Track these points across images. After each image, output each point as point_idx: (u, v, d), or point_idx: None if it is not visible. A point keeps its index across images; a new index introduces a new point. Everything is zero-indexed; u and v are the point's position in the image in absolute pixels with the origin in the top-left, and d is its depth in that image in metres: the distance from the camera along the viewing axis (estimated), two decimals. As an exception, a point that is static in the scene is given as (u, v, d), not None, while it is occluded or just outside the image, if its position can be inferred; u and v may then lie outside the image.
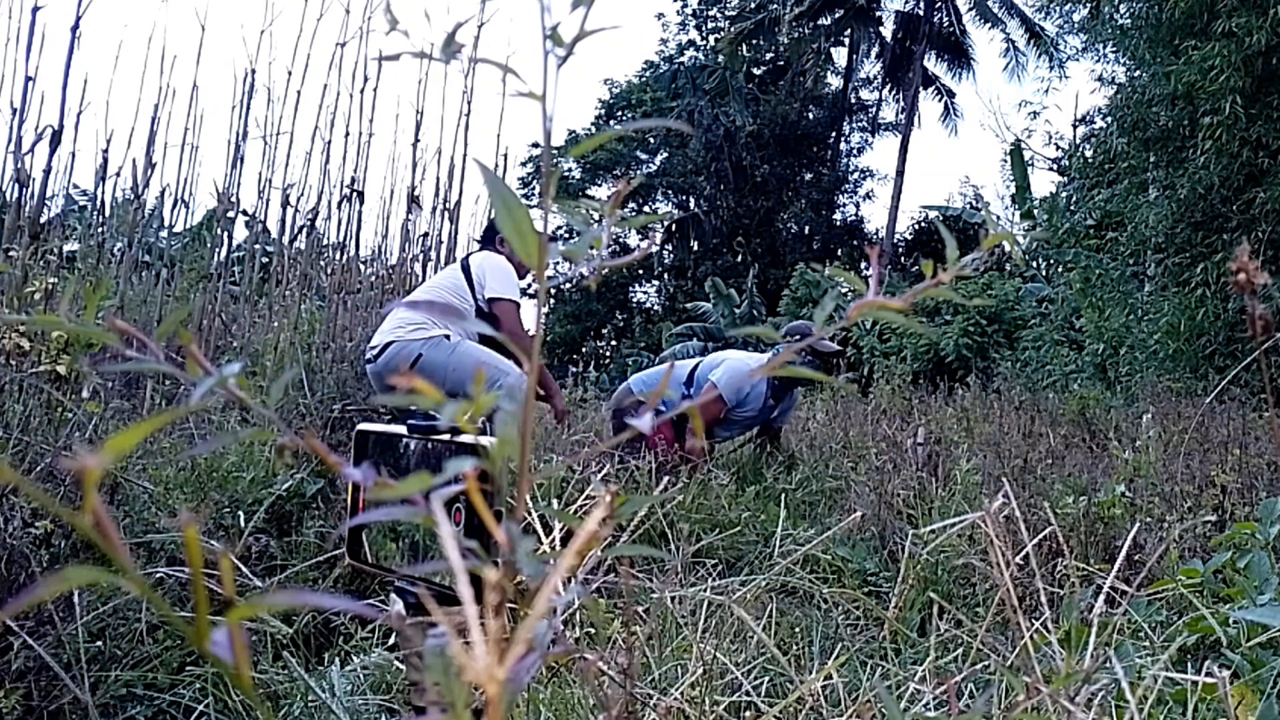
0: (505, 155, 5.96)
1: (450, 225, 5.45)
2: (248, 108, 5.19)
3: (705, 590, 1.73)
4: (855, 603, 2.10)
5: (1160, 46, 8.81)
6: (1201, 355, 8.32)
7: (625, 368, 17.25)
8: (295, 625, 1.97)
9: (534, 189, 23.50)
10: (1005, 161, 19.09)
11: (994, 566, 1.29)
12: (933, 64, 23.31)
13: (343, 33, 5.23)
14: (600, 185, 25.94)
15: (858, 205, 26.79)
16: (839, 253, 24.55)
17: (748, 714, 1.35)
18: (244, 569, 2.09)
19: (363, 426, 0.81)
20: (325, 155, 5.19)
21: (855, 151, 26.55)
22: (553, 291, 23.46)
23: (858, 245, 24.44)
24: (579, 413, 5.47)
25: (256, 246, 5.50)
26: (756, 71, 25.97)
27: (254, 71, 5.22)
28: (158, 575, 1.98)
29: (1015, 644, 1.28)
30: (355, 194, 5.15)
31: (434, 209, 5.43)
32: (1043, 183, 33.06)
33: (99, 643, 1.76)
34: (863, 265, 21.74)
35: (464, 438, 0.70)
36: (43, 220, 3.98)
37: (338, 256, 5.10)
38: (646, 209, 25.79)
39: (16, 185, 3.75)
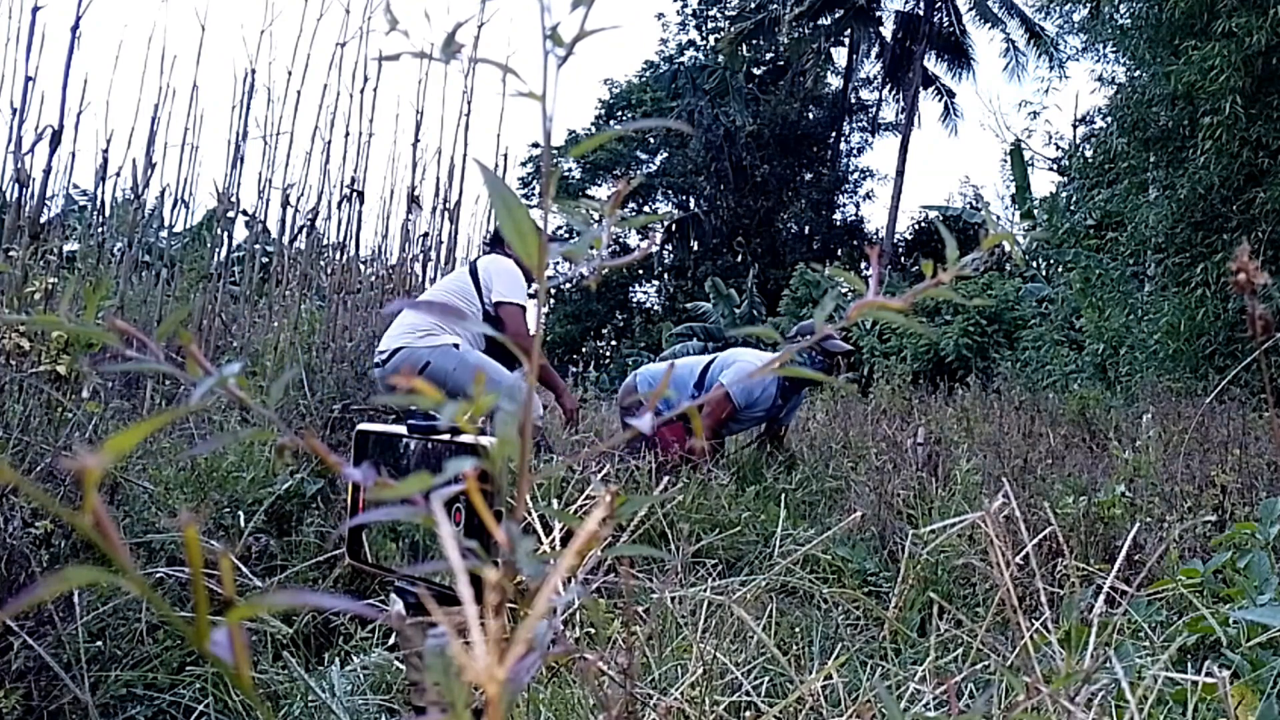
0: (505, 155, 5.96)
1: (450, 225, 5.45)
2: (248, 108, 5.20)
3: (705, 590, 1.73)
4: (855, 603, 2.10)
5: (1160, 46, 8.81)
6: (1201, 355, 8.32)
7: (625, 368, 17.25)
8: (295, 625, 1.97)
9: (534, 189, 23.51)
10: (1005, 161, 19.11)
11: (994, 566, 1.29)
12: (933, 64, 23.32)
13: (343, 33, 5.24)
14: (600, 185, 25.95)
15: (858, 205, 26.82)
16: (839, 253, 24.56)
17: (748, 714, 1.35)
18: (244, 569, 2.09)
19: (363, 426, 0.81)
20: (325, 155, 5.20)
21: (855, 151, 26.57)
22: (553, 291, 23.44)
23: (858, 245, 24.44)
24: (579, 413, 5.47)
25: (256, 246, 5.50)
26: (756, 71, 25.97)
27: (254, 71, 5.23)
28: (158, 575, 1.98)
29: (1015, 644, 1.28)
30: (355, 194, 5.15)
31: (434, 209, 5.43)
32: (1043, 183, 33.09)
33: (99, 643, 1.76)
34: (863, 265, 21.74)
35: (464, 438, 0.70)
36: (43, 220, 3.98)
37: (338, 256, 5.10)
38: (646, 209, 25.80)
39: (16, 185, 3.75)
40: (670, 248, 25.74)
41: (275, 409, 0.44)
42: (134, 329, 0.43)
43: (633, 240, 17.88)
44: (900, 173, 21.87)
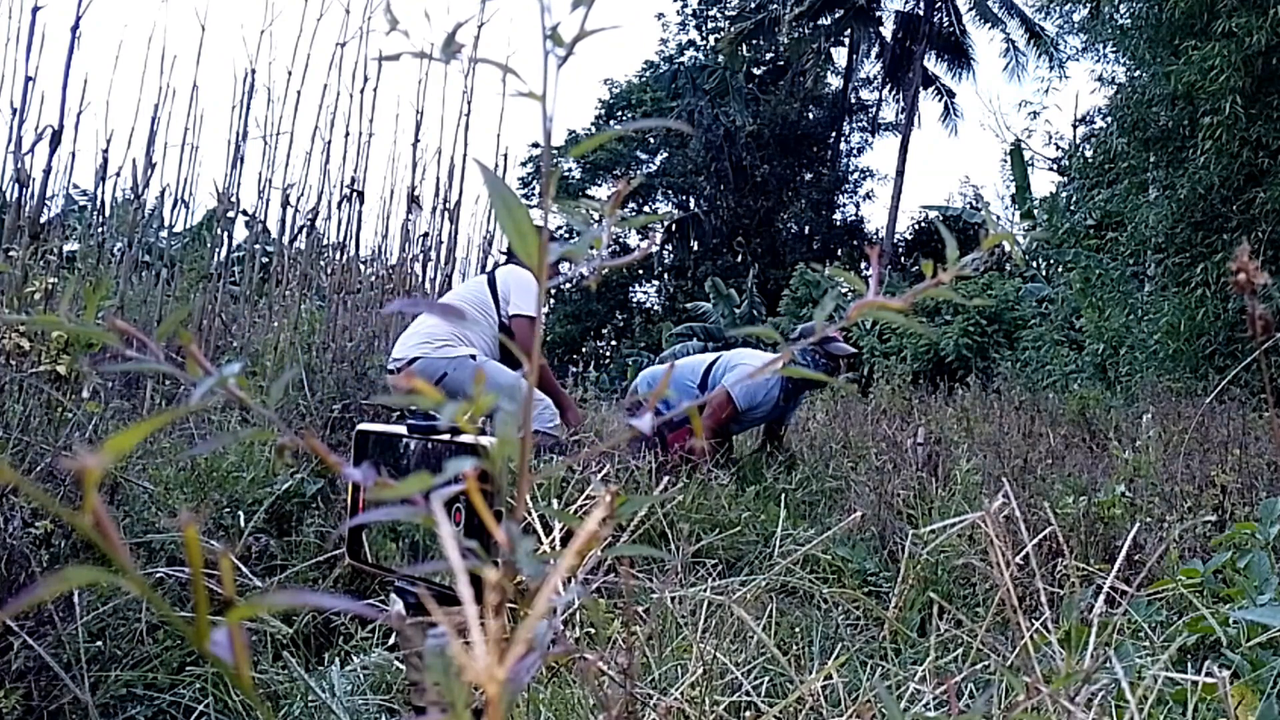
0: (505, 155, 5.97)
1: (450, 225, 5.46)
2: (248, 108, 5.20)
3: (705, 590, 1.73)
4: (855, 603, 2.10)
5: (1160, 46, 8.81)
6: (1201, 355, 8.32)
7: (625, 368, 17.25)
8: (295, 625, 1.97)
9: (534, 189, 23.52)
10: (1005, 161, 19.11)
11: (994, 566, 1.29)
12: (933, 64, 23.32)
13: (343, 33, 5.24)
14: (600, 185, 25.95)
15: (858, 205, 26.82)
16: (839, 253, 24.56)
17: (748, 714, 1.35)
18: (244, 569, 2.09)
19: (363, 426, 0.81)
20: (325, 155, 5.20)
21: (855, 151, 26.57)
22: (553, 291, 23.44)
23: (858, 245, 24.44)
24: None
25: (256, 246, 5.50)
26: (756, 71, 25.97)
27: (254, 71, 5.23)
28: (158, 575, 1.98)
29: (1015, 644, 1.28)
30: (355, 194, 5.15)
31: (434, 209, 5.43)
32: (1043, 183, 33.09)
33: (99, 643, 1.76)
34: (863, 265, 21.75)
35: (464, 438, 0.70)
36: (43, 220, 3.98)
37: (338, 256, 5.10)
38: (646, 209, 25.80)
39: (16, 185, 3.75)
40: (670, 248, 25.74)
41: (275, 409, 0.44)
42: (134, 329, 0.43)
43: (633, 240, 17.88)
44: (900, 173, 21.88)
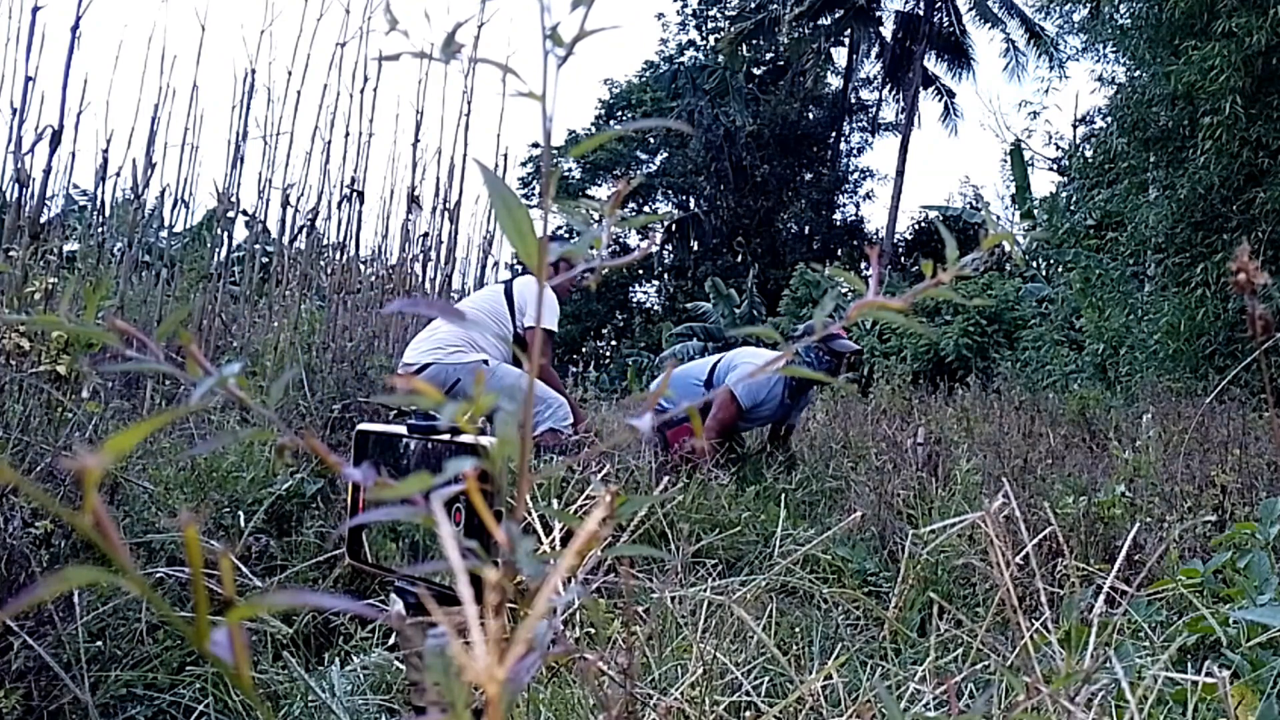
0: (505, 155, 5.97)
1: (450, 225, 5.46)
2: (248, 108, 5.20)
3: (705, 590, 1.73)
4: (855, 603, 2.10)
5: (1160, 46, 8.81)
6: (1201, 355, 8.32)
7: (625, 368, 17.26)
8: (295, 625, 1.97)
9: (534, 189, 23.51)
10: (1005, 161, 19.11)
11: (994, 566, 1.29)
12: (933, 64, 23.32)
13: (343, 33, 5.24)
14: (600, 185, 25.95)
15: (858, 205, 26.81)
16: (839, 253, 24.56)
17: (748, 714, 1.35)
18: (244, 569, 2.09)
19: (363, 426, 0.81)
20: (325, 155, 5.20)
21: (855, 151, 26.56)
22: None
23: (858, 245, 24.44)
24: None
25: (256, 246, 5.50)
26: (756, 71, 25.97)
27: (254, 71, 5.23)
28: (158, 575, 1.98)
29: (1015, 644, 1.28)
30: (355, 194, 5.15)
31: (434, 209, 5.43)
32: (1043, 183, 33.07)
33: (99, 643, 1.76)
34: (863, 265, 21.74)
35: (464, 438, 0.70)
36: (43, 220, 3.98)
37: (338, 256, 5.10)
38: (646, 209, 25.79)
39: (16, 185, 3.75)
40: (670, 248, 25.74)
41: (275, 409, 0.44)
42: (134, 329, 0.43)
43: (633, 240, 17.88)
44: (900, 173, 21.87)
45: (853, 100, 26.05)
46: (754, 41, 24.14)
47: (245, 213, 5.49)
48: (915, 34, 22.70)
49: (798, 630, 1.90)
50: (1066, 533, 2.36)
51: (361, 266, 5.30)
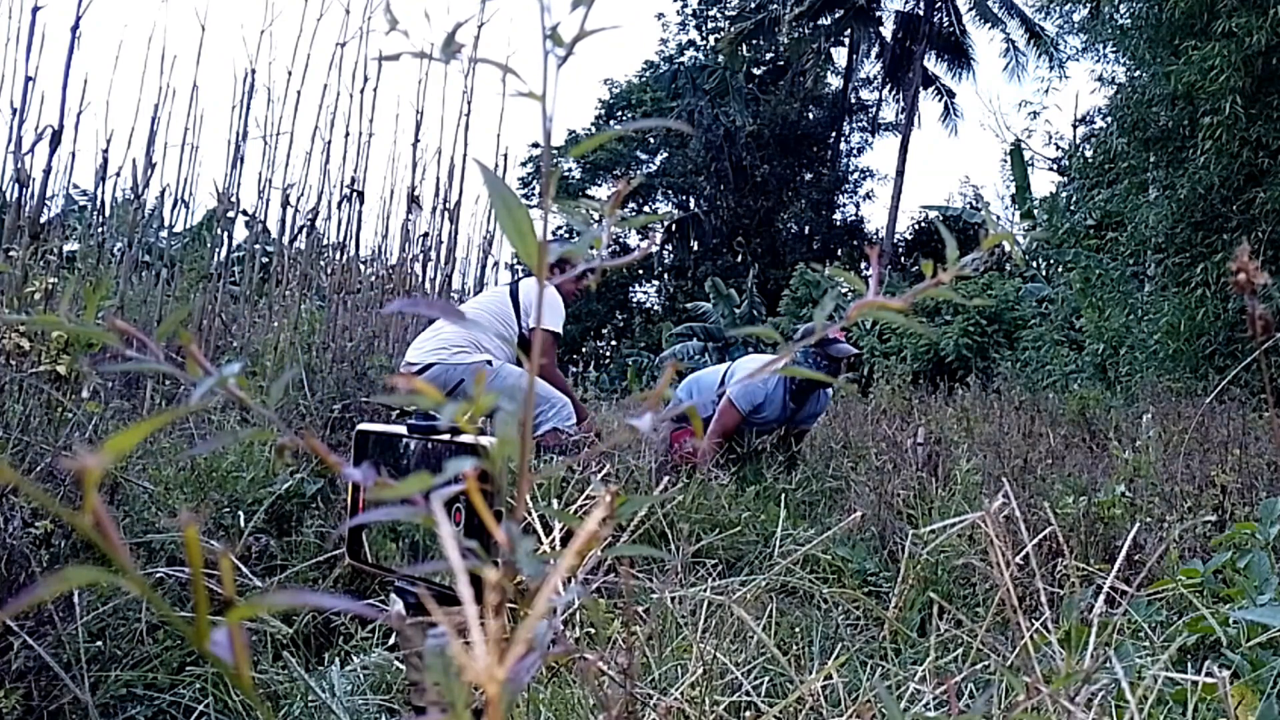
0: (505, 155, 5.97)
1: (450, 225, 5.46)
2: (248, 108, 5.20)
3: (705, 590, 1.73)
4: (855, 603, 2.10)
5: (1160, 46, 8.81)
6: (1201, 355, 8.32)
7: (625, 368, 17.26)
8: (295, 625, 1.97)
9: (534, 189, 23.51)
10: (1005, 161, 19.11)
11: (994, 566, 1.29)
12: (933, 64, 23.32)
13: (343, 33, 5.23)
14: (600, 185, 25.95)
15: (858, 205, 26.82)
16: (839, 253, 24.56)
17: (748, 714, 1.35)
18: (244, 569, 2.09)
19: (363, 426, 0.81)
20: (325, 155, 5.19)
21: (855, 151, 26.57)
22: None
23: (858, 245, 24.45)
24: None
25: (256, 246, 5.50)
26: (756, 71, 25.97)
27: (254, 71, 5.22)
28: (158, 575, 1.98)
29: (1015, 644, 1.28)
30: (355, 194, 5.15)
31: (434, 209, 5.43)
32: (1043, 183, 33.08)
33: (99, 643, 1.76)
34: (863, 265, 21.74)
35: (464, 438, 0.70)
36: (43, 220, 3.98)
37: (338, 256, 5.09)
38: (646, 209, 25.80)
39: (16, 185, 3.75)
40: (670, 248, 25.74)
41: (275, 409, 0.44)
42: (134, 329, 0.43)
43: (633, 240, 17.89)
44: (900, 173, 21.88)
45: (853, 100, 26.05)
46: (754, 41, 24.14)
47: (245, 213, 5.49)
48: (915, 34, 22.70)
49: (798, 630, 1.90)
50: (1066, 533, 2.36)
51: (361, 266, 5.29)
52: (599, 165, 25.66)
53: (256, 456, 2.66)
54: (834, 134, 25.79)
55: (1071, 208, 12.01)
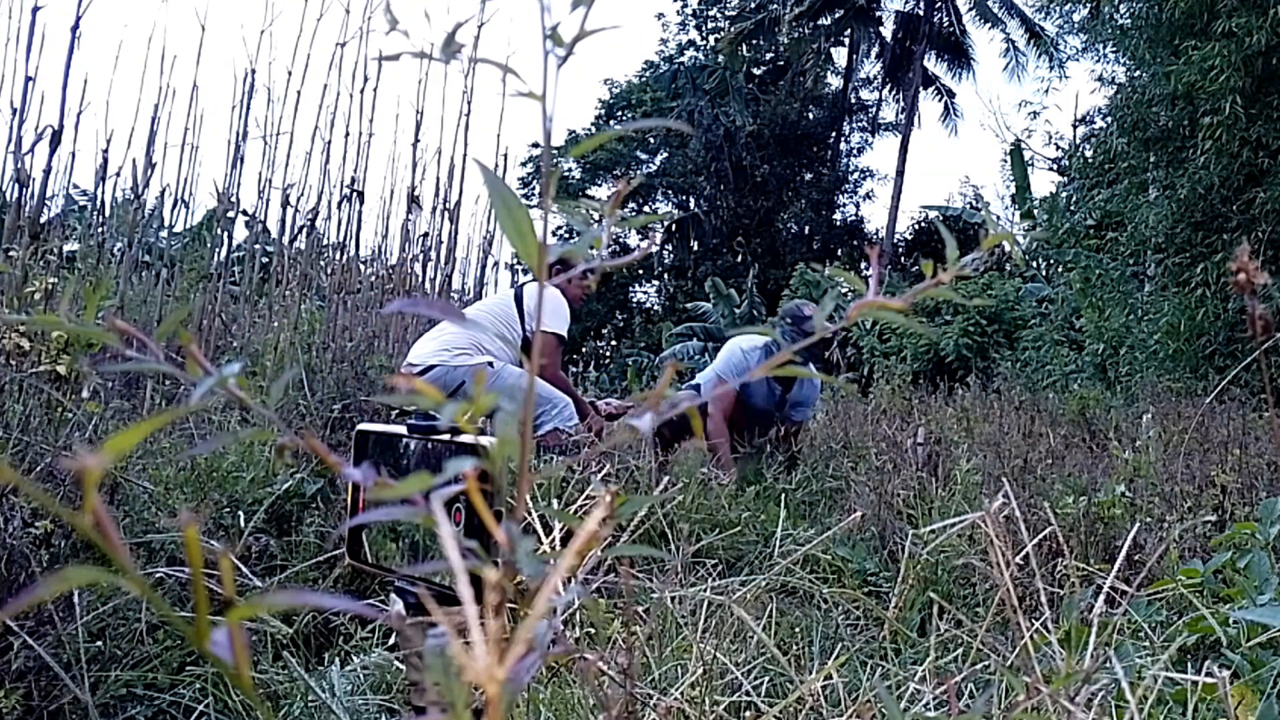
0: (505, 155, 5.97)
1: (450, 225, 5.46)
2: (248, 108, 5.20)
3: (705, 590, 1.73)
4: (855, 603, 2.10)
5: (1160, 46, 8.81)
6: (1201, 355, 8.32)
7: (625, 368, 17.26)
8: (295, 625, 1.97)
9: (534, 189, 23.51)
10: (1005, 161, 19.11)
11: (994, 566, 1.29)
12: (933, 64, 23.32)
13: (343, 33, 5.24)
14: (600, 185, 25.94)
15: (858, 205, 26.81)
16: (839, 253, 24.55)
17: (748, 714, 1.35)
18: (244, 569, 2.09)
19: (363, 426, 0.81)
20: (325, 155, 5.19)
21: (855, 151, 26.56)
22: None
23: (858, 245, 24.44)
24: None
25: (256, 246, 5.50)
26: (756, 71, 25.97)
27: (254, 71, 5.23)
28: (158, 575, 1.98)
29: (1015, 644, 1.28)
30: (355, 194, 5.15)
31: (434, 209, 5.43)
32: (1043, 183, 33.05)
33: (99, 643, 1.76)
34: (863, 265, 21.74)
35: (464, 438, 0.70)
36: (43, 220, 3.98)
37: (338, 256, 5.09)
38: (646, 209, 25.79)
39: (16, 185, 3.75)
40: (670, 248, 25.74)
41: (275, 409, 0.44)
42: (134, 329, 0.43)
43: (633, 240, 17.88)
44: (900, 173, 21.87)
45: (853, 100, 26.04)
46: (754, 41, 24.14)
47: (245, 213, 5.49)
48: (915, 34, 22.70)
49: (798, 630, 1.90)
50: (1066, 533, 2.36)
51: (361, 266, 5.30)
52: (599, 165, 25.66)
53: (256, 456, 2.66)
54: (834, 134, 25.79)
55: (1071, 208, 12.01)
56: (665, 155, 26.08)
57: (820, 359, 4.32)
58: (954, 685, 0.89)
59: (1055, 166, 19.04)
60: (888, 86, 24.99)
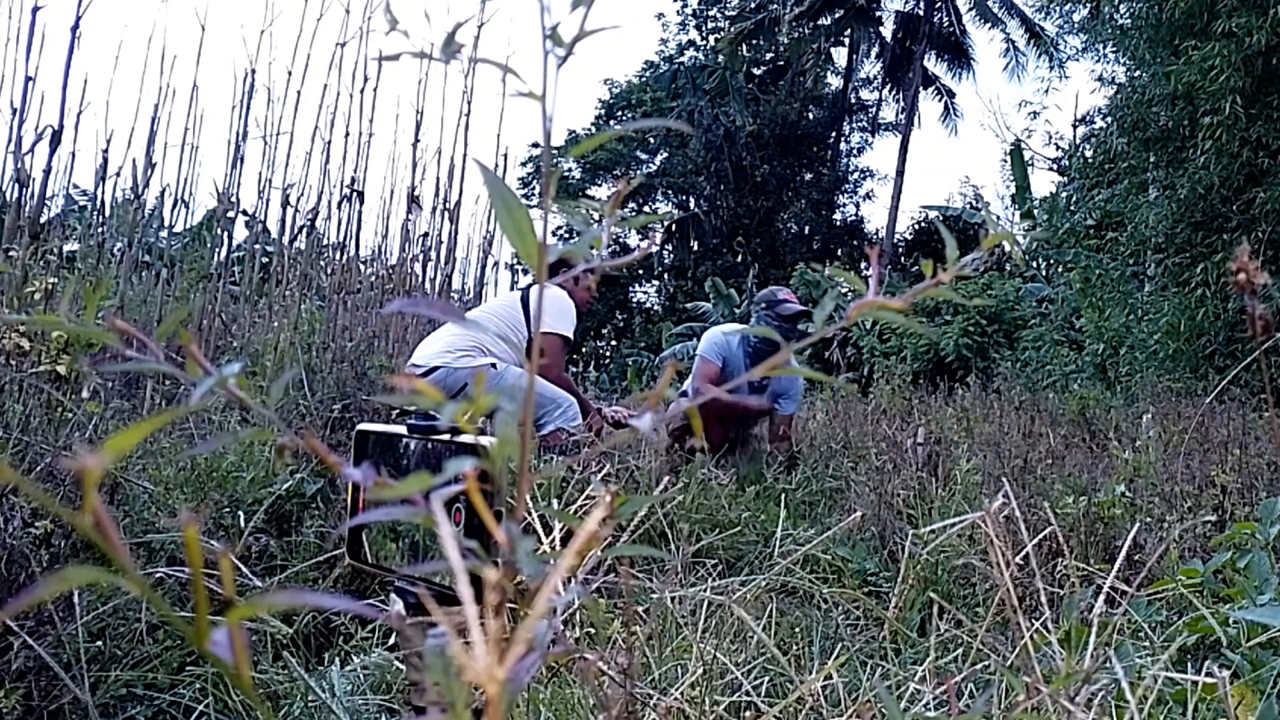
0: (505, 155, 5.97)
1: (450, 225, 5.46)
2: (248, 108, 5.19)
3: (705, 590, 1.73)
4: (855, 603, 2.10)
5: (1160, 46, 8.81)
6: (1201, 355, 8.32)
7: (625, 368, 17.26)
8: (295, 625, 1.97)
9: (534, 189, 23.50)
10: (1005, 161, 19.11)
11: (994, 566, 1.29)
12: (933, 64, 23.32)
13: (343, 33, 5.23)
14: (600, 185, 25.94)
15: (858, 205, 26.81)
16: (839, 253, 24.55)
17: (748, 714, 1.35)
18: (244, 569, 2.09)
19: (363, 426, 0.81)
20: (325, 155, 5.19)
21: (855, 151, 26.56)
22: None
23: (858, 245, 24.44)
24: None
25: (256, 246, 5.50)
26: (756, 71, 25.96)
27: (254, 71, 5.22)
28: (158, 575, 1.98)
29: (1015, 644, 1.28)
30: (355, 194, 5.15)
31: (434, 209, 5.43)
32: (1043, 183, 33.06)
33: (99, 643, 1.76)
34: (863, 265, 21.74)
35: (464, 438, 0.70)
36: (43, 220, 3.98)
37: (338, 256, 5.09)
38: (646, 209, 25.79)
39: (16, 185, 3.75)
40: (670, 248, 25.73)
41: (275, 409, 0.44)
42: (134, 329, 0.43)
43: (633, 240, 17.89)
44: (900, 173, 21.87)
45: (853, 100, 26.04)
46: (754, 41, 24.14)
47: (245, 213, 5.49)
48: (915, 34, 22.70)
49: (798, 630, 1.90)
50: (1066, 533, 2.36)
51: (361, 266, 5.29)
52: (599, 165, 25.65)
53: (256, 456, 2.66)
54: (834, 134, 25.79)
55: (1071, 208, 12.01)
56: (665, 155, 26.08)
57: (791, 337, 4.37)
58: (954, 685, 0.89)
59: (1055, 166, 19.04)
60: (888, 86, 25.00)
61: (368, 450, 0.79)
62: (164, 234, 6.04)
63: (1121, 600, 1.61)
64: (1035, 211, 14.25)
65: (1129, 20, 9.38)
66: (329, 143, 5.20)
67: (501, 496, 0.39)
